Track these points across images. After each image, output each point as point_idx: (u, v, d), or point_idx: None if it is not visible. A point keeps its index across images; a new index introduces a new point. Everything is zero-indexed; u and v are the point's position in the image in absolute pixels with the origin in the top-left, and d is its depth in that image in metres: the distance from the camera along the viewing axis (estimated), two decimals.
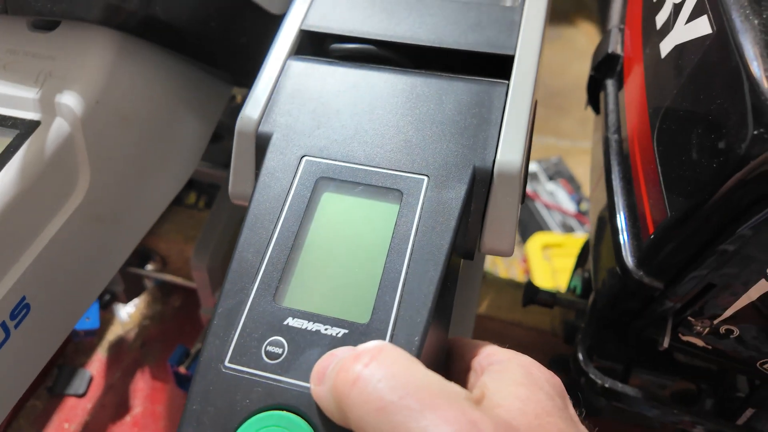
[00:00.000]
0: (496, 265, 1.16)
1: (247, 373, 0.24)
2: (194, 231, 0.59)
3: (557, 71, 1.52)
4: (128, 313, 0.67)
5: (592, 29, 1.89)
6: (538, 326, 0.59)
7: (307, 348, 0.24)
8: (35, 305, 0.34)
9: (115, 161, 0.38)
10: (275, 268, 0.26)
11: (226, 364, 0.24)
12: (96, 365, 0.63)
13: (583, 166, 1.47)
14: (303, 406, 0.23)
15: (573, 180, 1.43)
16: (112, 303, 0.66)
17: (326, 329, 0.25)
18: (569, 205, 1.36)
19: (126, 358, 0.64)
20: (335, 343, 0.24)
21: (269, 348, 0.24)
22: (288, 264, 0.27)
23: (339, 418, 0.21)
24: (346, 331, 0.24)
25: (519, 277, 1.15)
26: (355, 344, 0.24)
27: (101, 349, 0.65)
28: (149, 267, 0.62)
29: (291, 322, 0.25)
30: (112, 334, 0.66)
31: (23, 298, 0.33)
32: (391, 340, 0.24)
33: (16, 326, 0.33)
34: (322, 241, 0.27)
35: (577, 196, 1.39)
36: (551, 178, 1.44)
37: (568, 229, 1.31)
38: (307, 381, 0.23)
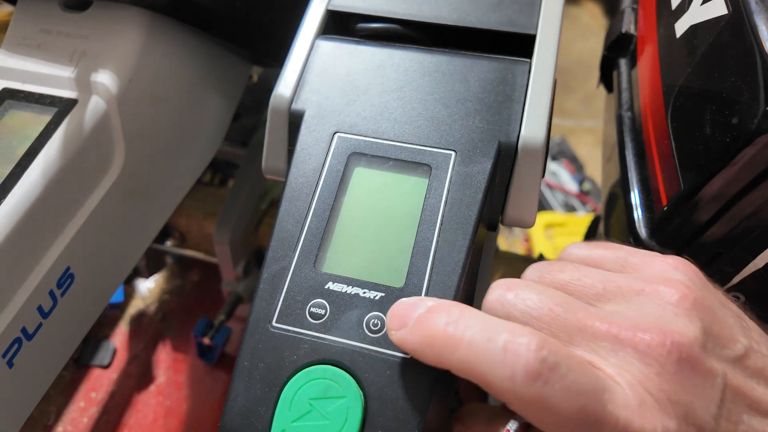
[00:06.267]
0: (498, 244, 1.18)
1: (293, 332, 0.26)
2: (212, 207, 0.61)
3: (561, 49, 1.52)
4: (148, 287, 0.70)
5: (596, 7, 1.87)
6: None
7: (347, 309, 0.26)
8: (78, 275, 0.36)
9: (147, 138, 0.40)
10: (314, 237, 0.28)
11: (274, 324, 0.26)
12: (119, 338, 0.66)
13: (586, 146, 1.48)
14: (346, 360, 0.25)
15: (576, 160, 1.44)
16: (134, 278, 0.69)
17: (364, 292, 0.26)
18: (571, 185, 1.37)
19: (148, 331, 0.66)
20: (373, 304, 0.26)
21: (312, 309, 0.26)
22: (325, 233, 0.28)
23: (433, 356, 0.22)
24: (383, 294, 0.26)
25: None
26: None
27: (123, 322, 0.67)
28: (168, 243, 0.64)
29: (331, 286, 0.27)
30: (134, 307, 0.68)
31: (68, 268, 0.35)
32: None
33: (62, 294, 0.35)
34: (356, 212, 0.29)
35: (580, 176, 1.40)
36: (554, 158, 1.45)
37: (570, 208, 1.32)
38: (349, 338, 0.25)
